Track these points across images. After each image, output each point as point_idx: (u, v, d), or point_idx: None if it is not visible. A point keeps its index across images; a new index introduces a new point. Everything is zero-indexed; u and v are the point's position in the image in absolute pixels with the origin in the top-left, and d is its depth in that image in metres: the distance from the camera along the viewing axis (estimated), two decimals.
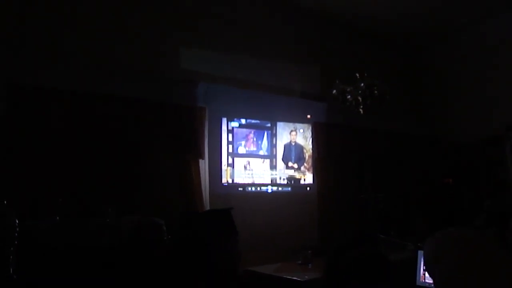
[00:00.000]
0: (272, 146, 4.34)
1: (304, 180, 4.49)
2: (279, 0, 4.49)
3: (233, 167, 4.05)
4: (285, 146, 4.41)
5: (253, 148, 4.22)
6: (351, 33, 5.11)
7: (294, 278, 3.09)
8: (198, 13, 3.94)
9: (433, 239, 1.37)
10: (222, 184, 3.98)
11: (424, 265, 2.05)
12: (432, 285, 2.40)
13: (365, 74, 3.82)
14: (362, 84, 3.79)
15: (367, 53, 5.14)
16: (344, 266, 1.52)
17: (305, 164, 4.52)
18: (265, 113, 4.33)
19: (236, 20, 4.19)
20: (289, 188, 4.38)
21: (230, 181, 4.02)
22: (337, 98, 3.91)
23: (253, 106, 4.23)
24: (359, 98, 3.82)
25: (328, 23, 4.91)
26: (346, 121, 4.52)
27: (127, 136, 3.36)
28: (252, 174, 4.15)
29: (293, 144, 4.47)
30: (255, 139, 4.24)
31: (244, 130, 4.19)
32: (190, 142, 3.68)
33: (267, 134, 4.32)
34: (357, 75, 3.84)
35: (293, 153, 4.46)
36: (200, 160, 3.75)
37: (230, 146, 4.06)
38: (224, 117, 4.05)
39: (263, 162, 4.26)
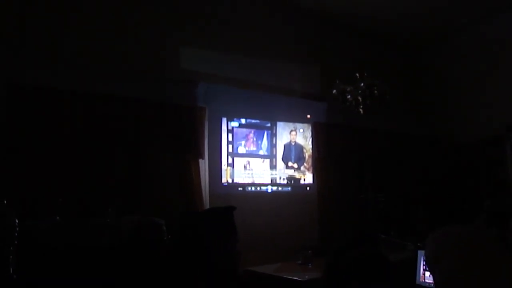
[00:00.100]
0: (272, 146, 4.34)
1: (304, 180, 4.49)
2: (279, 0, 4.49)
3: (233, 167, 4.05)
4: (285, 146, 4.41)
5: (253, 148, 4.22)
6: (351, 33, 5.11)
7: (294, 278, 3.09)
8: (198, 13, 3.95)
9: (433, 238, 1.37)
10: (222, 184, 3.98)
11: (426, 265, 2.05)
12: (432, 285, 2.40)
13: (365, 74, 3.82)
14: (362, 84, 3.79)
15: (367, 53, 5.14)
16: (344, 266, 1.52)
17: (305, 164, 4.52)
18: (265, 113, 4.33)
19: (236, 20, 4.19)
20: (289, 188, 4.38)
21: (230, 181, 4.02)
22: (337, 98, 3.91)
23: (253, 106, 4.23)
24: (359, 98, 3.82)
25: (328, 23, 4.91)
26: (346, 121, 4.53)
27: (127, 136, 3.36)
28: (252, 174, 4.15)
29: (293, 144, 4.47)
30: (255, 139, 4.24)
31: (244, 130, 4.19)
32: (190, 142, 3.68)
33: (267, 134, 4.32)
34: (357, 75, 3.84)
35: (293, 153, 4.46)
36: (200, 160, 3.75)
37: (230, 146, 4.06)
38: (224, 117, 4.05)
39: (263, 162, 4.26)
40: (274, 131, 4.37)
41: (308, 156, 4.54)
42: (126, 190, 3.24)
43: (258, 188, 4.17)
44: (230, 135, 4.07)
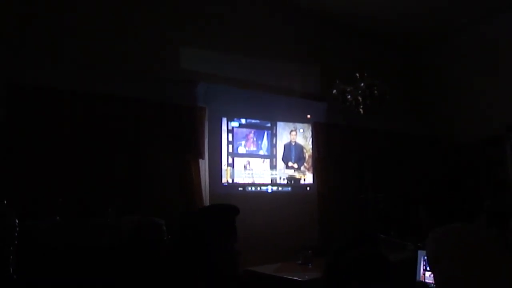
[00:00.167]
0: (272, 146, 4.34)
1: (304, 180, 4.49)
2: (279, 0, 4.49)
3: (233, 167, 4.05)
4: (285, 146, 4.41)
5: (253, 148, 4.22)
6: (351, 33, 5.11)
7: (294, 278, 3.09)
8: (198, 13, 3.95)
9: (433, 238, 1.37)
10: (222, 184, 3.97)
11: (427, 264, 2.05)
12: (432, 284, 2.40)
13: (365, 74, 3.82)
14: (362, 84, 3.79)
15: (367, 53, 5.14)
16: (344, 266, 1.52)
17: (305, 164, 4.52)
18: (265, 113, 4.32)
19: (236, 20, 4.19)
20: (289, 188, 4.38)
21: (230, 181, 4.02)
22: (337, 98, 3.91)
23: (253, 106, 4.23)
24: (359, 98, 3.82)
25: (328, 23, 4.91)
26: (346, 121, 4.52)
27: (127, 136, 3.36)
28: (252, 174, 4.15)
29: (293, 144, 4.47)
30: (255, 139, 4.24)
31: (244, 130, 4.19)
32: (190, 142, 3.68)
33: (267, 134, 4.32)
34: (357, 75, 3.84)
35: (293, 153, 4.46)
36: (200, 160, 3.75)
37: (230, 146, 4.06)
38: (224, 117, 4.05)
39: (263, 162, 4.26)
40: (274, 131, 4.37)
41: (308, 156, 4.54)
42: (126, 190, 3.24)
43: (258, 188, 4.17)
44: (230, 135, 4.07)
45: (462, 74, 5.24)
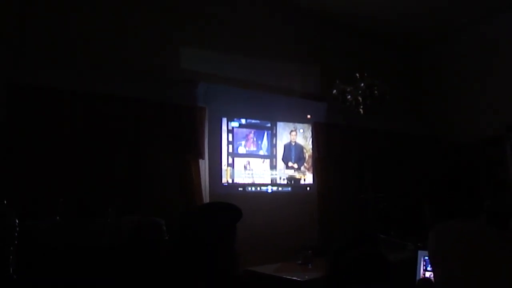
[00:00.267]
0: (272, 146, 4.34)
1: (304, 180, 4.49)
2: (279, 0, 4.49)
3: (233, 167, 4.05)
4: (285, 146, 4.41)
5: (253, 148, 4.22)
6: (351, 33, 5.11)
7: (294, 278, 3.09)
8: (198, 13, 3.95)
9: (434, 236, 1.37)
10: (222, 184, 3.97)
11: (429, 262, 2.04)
12: None
13: (365, 74, 3.82)
14: (362, 84, 3.79)
15: (367, 53, 5.14)
16: (344, 266, 1.52)
17: (305, 164, 4.52)
18: (265, 113, 4.32)
19: (236, 20, 4.19)
20: (289, 188, 4.38)
21: (230, 181, 4.02)
22: (337, 98, 3.91)
23: (253, 106, 4.23)
24: (359, 98, 3.82)
25: (328, 23, 4.91)
26: (346, 121, 4.52)
27: (127, 136, 3.36)
28: (252, 174, 4.15)
29: (293, 144, 4.47)
30: (255, 139, 4.24)
31: (244, 130, 4.19)
32: (190, 142, 3.68)
33: (267, 134, 4.32)
34: (357, 75, 3.84)
35: (293, 153, 4.46)
36: (200, 160, 3.75)
37: (230, 146, 4.06)
38: (224, 117, 4.05)
39: (263, 162, 4.26)
40: (274, 131, 4.37)
41: (308, 156, 4.54)
42: (126, 190, 3.23)
43: (258, 188, 4.17)
44: (230, 135, 4.07)
45: (462, 74, 5.24)
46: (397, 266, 2.72)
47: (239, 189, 4.06)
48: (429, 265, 2.48)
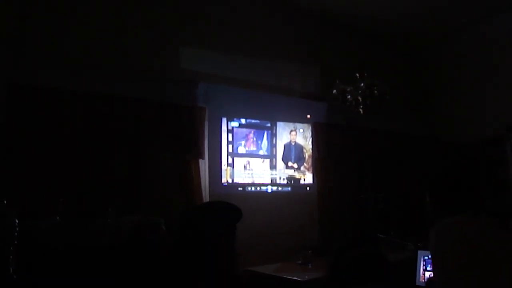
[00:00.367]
0: (272, 146, 4.34)
1: (304, 180, 4.49)
2: (279, 0, 4.48)
3: (233, 167, 4.05)
4: (285, 146, 4.41)
5: (253, 148, 4.22)
6: (351, 33, 5.11)
7: (294, 278, 3.09)
8: (198, 13, 3.94)
9: (434, 234, 1.36)
10: (222, 184, 3.97)
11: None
12: None
13: (365, 74, 3.82)
14: (362, 84, 3.79)
15: (367, 53, 5.14)
16: (344, 266, 1.52)
17: (305, 164, 4.52)
18: (265, 113, 4.32)
19: (236, 20, 4.19)
20: (289, 188, 4.38)
21: (230, 181, 4.02)
22: (337, 98, 3.91)
23: (253, 106, 4.23)
24: (359, 98, 3.82)
25: (328, 23, 4.91)
26: (346, 121, 4.52)
27: (127, 136, 3.36)
28: (252, 174, 4.15)
29: (293, 144, 4.47)
30: (255, 139, 4.24)
31: (244, 130, 4.19)
32: (190, 142, 3.68)
33: (267, 134, 4.32)
34: (357, 75, 3.84)
35: (293, 153, 4.46)
36: (200, 160, 3.75)
37: (230, 146, 4.06)
38: (224, 117, 4.05)
39: (263, 162, 4.26)
40: (274, 131, 4.37)
41: (308, 156, 4.54)
42: (126, 190, 3.23)
43: (258, 188, 4.17)
44: (230, 135, 4.07)
45: (462, 74, 5.24)
46: (397, 266, 2.72)
47: (239, 189, 4.06)
48: (429, 265, 2.48)
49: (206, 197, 3.76)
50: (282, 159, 4.37)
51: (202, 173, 3.75)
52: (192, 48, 3.83)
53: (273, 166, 4.30)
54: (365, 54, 5.07)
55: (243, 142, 4.15)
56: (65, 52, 3.16)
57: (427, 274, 2.47)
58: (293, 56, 4.49)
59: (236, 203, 3.26)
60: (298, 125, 4.52)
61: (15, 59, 2.95)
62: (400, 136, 5.11)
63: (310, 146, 4.55)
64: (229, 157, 4.04)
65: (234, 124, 4.12)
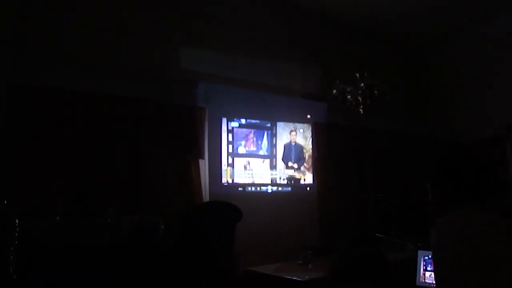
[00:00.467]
0: (272, 146, 4.34)
1: (304, 180, 4.49)
2: (279, 0, 4.48)
3: (233, 167, 4.05)
4: (285, 146, 4.41)
5: (253, 148, 4.22)
6: (351, 33, 5.11)
7: (294, 278, 3.09)
8: (198, 13, 3.95)
9: (434, 236, 1.36)
10: (222, 184, 3.97)
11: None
12: (432, 285, 2.40)
13: (365, 74, 3.81)
14: (362, 84, 3.79)
15: (367, 53, 5.14)
16: (344, 266, 1.52)
17: (305, 164, 4.52)
18: (265, 113, 4.32)
19: (236, 20, 4.19)
20: (289, 188, 4.38)
21: (230, 181, 4.02)
22: (337, 98, 3.91)
23: (253, 106, 4.23)
24: (359, 98, 3.82)
25: (328, 23, 4.91)
26: (346, 121, 4.52)
27: (127, 136, 3.36)
28: (252, 174, 4.15)
29: (293, 144, 4.47)
30: (255, 139, 4.24)
31: (244, 130, 4.19)
32: (190, 142, 3.68)
33: (267, 134, 4.32)
34: (357, 75, 3.84)
35: (293, 153, 4.46)
36: (200, 160, 3.75)
37: (230, 146, 4.06)
38: (224, 117, 4.05)
39: (263, 162, 4.26)
40: (274, 131, 4.37)
41: (308, 156, 4.54)
42: (126, 190, 3.24)
43: (258, 188, 4.17)
44: (230, 135, 4.07)
45: (462, 74, 5.24)
46: (397, 266, 2.72)
47: (239, 189, 4.06)
48: (429, 265, 2.48)
49: (206, 197, 3.75)
50: (282, 159, 4.37)
51: (202, 173, 3.75)
52: (192, 48, 3.83)
53: (273, 166, 4.30)
54: (365, 54, 5.07)
55: (243, 142, 4.15)
56: (65, 52, 3.16)
57: (427, 274, 2.47)
58: (293, 56, 4.49)
59: (236, 203, 3.27)
60: (298, 125, 4.52)
61: (15, 59, 2.95)
62: (400, 136, 5.11)
63: (310, 146, 4.55)
64: (229, 157, 4.04)
65: (234, 124, 4.12)
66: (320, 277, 3.01)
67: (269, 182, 4.25)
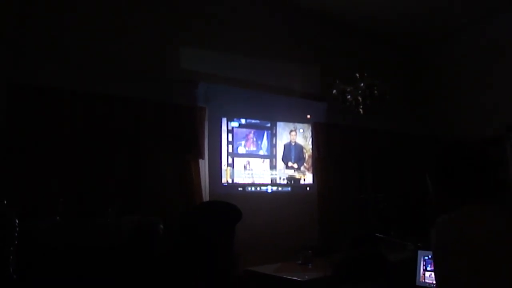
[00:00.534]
0: (272, 146, 4.34)
1: (304, 180, 4.49)
2: (279, 0, 4.48)
3: (233, 167, 4.05)
4: (285, 146, 4.41)
5: (253, 148, 4.22)
6: (351, 33, 5.11)
7: (294, 278, 3.09)
8: (198, 13, 3.95)
9: (433, 237, 1.36)
10: (222, 184, 3.97)
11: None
12: (432, 285, 2.40)
13: (365, 74, 3.81)
14: (362, 84, 3.79)
15: (367, 53, 5.14)
16: (345, 266, 1.52)
17: (305, 164, 4.52)
18: (265, 113, 4.33)
19: (236, 20, 4.19)
20: (289, 188, 4.38)
21: (230, 181, 4.02)
22: (337, 98, 3.91)
23: (253, 106, 4.23)
24: (359, 98, 3.82)
25: (328, 23, 4.91)
26: (346, 121, 4.52)
27: (127, 136, 3.36)
28: (252, 174, 4.15)
29: (293, 144, 4.47)
30: (255, 139, 4.24)
31: (244, 130, 4.19)
32: (190, 142, 3.68)
33: (267, 134, 4.32)
34: (357, 75, 3.84)
35: (293, 153, 4.46)
36: (200, 160, 3.75)
37: (230, 146, 4.06)
38: (224, 117, 4.05)
39: (263, 162, 4.26)
40: (274, 131, 4.37)
41: (308, 156, 4.54)
42: (126, 190, 3.24)
43: (258, 188, 4.17)
44: (230, 135, 4.07)
45: (462, 74, 5.24)
46: (397, 266, 2.72)
47: (239, 189, 4.06)
48: (429, 265, 2.48)
49: (206, 197, 3.75)
50: (282, 159, 4.37)
51: (202, 173, 3.75)
52: (192, 48, 3.84)
53: (273, 166, 4.30)
54: (365, 54, 5.07)
55: (243, 142, 4.15)
56: (65, 52, 3.16)
57: (427, 274, 2.47)
58: (293, 56, 4.49)
59: (236, 203, 3.27)
60: (298, 125, 4.52)
61: (15, 59, 2.95)
62: (400, 136, 5.11)
63: (310, 146, 4.55)
64: (229, 157, 4.04)
65: (234, 124, 4.12)
66: (320, 277, 3.01)
67: (269, 182, 4.25)
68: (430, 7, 4.66)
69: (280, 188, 4.31)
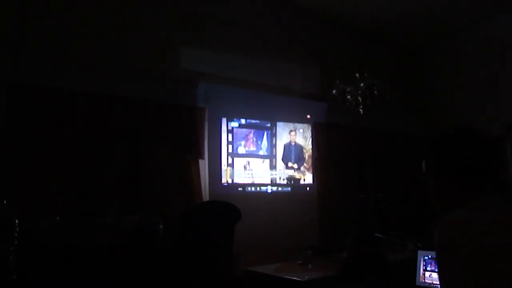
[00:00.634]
0: (272, 146, 4.34)
1: (304, 180, 4.49)
2: (279, 0, 4.49)
3: (233, 167, 4.05)
4: (285, 146, 4.41)
5: (253, 148, 4.22)
6: (351, 33, 5.11)
7: (294, 278, 3.09)
8: (198, 13, 3.95)
9: (437, 234, 1.35)
10: (222, 184, 3.97)
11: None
12: (432, 285, 2.40)
13: (365, 74, 3.82)
14: (362, 84, 3.79)
15: (367, 53, 5.14)
16: (344, 266, 1.52)
17: (305, 164, 4.52)
18: (265, 113, 4.33)
19: (236, 20, 4.19)
20: (289, 188, 4.38)
21: (230, 181, 4.02)
22: (337, 98, 3.91)
23: (253, 106, 4.23)
24: (359, 98, 3.82)
25: (328, 23, 4.91)
26: (346, 121, 4.52)
27: (127, 136, 3.36)
28: (252, 174, 4.15)
29: (293, 144, 4.47)
30: (255, 139, 4.24)
31: (244, 130, 4.19)
32: (190, 142, 3.68)
33: (267, 134, 4.32)
34: (357, 75, 3.84)
35: (293, 153, 4.45)
36: (200, 160, 3.75)
37: (230, 146, 4.06)
38: (224, 117, 4.05)
39: (263, 162, 4.26)
40: (274, 131, 4.37)
41: (308, 156, 4.54)
42: (126, 190, 3.24)
43: (258, 188, 4.17)
44: (230, 135, 4.07)
45: (462, 74, 5.24)
46: (397, 266, 2.72)
47: (239, 189, 4.06)
48: (429, 265, 2.48)
49: (206, 197, 3.75)
50: (282, 159, 4.37)
51: (202, 173, 3.75)
52: (192, 48, 3.84)
53: (273, 166, 4.30)
54: (365, 54, 5.07)
55: (243, 142, 4.15)
56: (65, 52, 3.16)
57: (427, 274, 2.47)
58: (293, 56, 4.49)
59: (236, 203, 3.27)
60: (298, 125, 4.52)
61: (15, 59, 2.95)
62: (400, 136, 5.11)
63: (310, 146, 4.55)
64: (229, 157, 4.04)
65: (234, 124, 4.12)
66: (320, 277, 3.01)
67: (269, 182, 4.25)
68: (430, 7, 4.66)
69: (280, 188, 4.31)
